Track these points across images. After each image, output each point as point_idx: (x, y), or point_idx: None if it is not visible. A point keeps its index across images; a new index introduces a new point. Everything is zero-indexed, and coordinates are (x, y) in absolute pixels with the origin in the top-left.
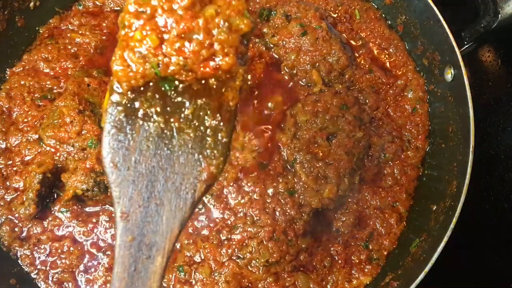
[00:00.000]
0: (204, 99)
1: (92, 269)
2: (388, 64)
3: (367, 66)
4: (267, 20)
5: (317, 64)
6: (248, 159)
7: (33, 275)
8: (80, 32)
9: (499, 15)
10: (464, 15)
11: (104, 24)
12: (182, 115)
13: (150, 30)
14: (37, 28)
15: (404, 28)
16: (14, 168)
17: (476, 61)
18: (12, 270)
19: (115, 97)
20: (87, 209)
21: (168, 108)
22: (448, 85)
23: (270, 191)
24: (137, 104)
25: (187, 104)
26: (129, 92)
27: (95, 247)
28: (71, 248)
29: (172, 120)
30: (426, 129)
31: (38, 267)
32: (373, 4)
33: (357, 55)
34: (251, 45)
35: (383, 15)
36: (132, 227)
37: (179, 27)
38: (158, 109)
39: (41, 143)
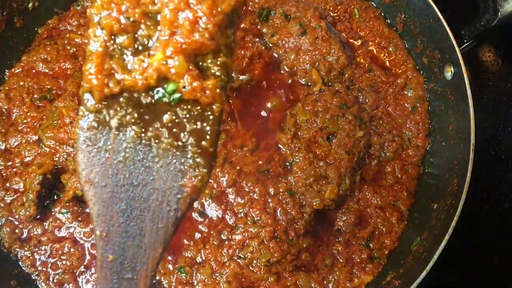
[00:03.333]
0: (184, 104)
1: (93, 270)
2: (387, 63)
3: (366, 65)
4: (266, 19)
5: (317, 63)
6: (248, 158)
7: (33, 277)
8: (79, 32)
9: (499, 13)
10: (464, 14)
11: None
12: (160, 123)
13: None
14: (36, 29)
15: (404, 27)
16: (14, 170)
17: (476, 61)
18: (13, 271)
19: (87, 107)
20: (87, 210)
21: (146, 116)
22: (448, 83)
23: (270, 191)
24: (111, 113)
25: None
26: (102, 101)
27: (95, 248)
28: (72, 249)
29: (150, 129)
30: (426, 128)
31: (39, 268)
32: (372, 3)
33: (357, 54)
34: (250, 44)
35: (383, 14)
36: (113, 247)
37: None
38: (134, 117)
39: (41, 144)
